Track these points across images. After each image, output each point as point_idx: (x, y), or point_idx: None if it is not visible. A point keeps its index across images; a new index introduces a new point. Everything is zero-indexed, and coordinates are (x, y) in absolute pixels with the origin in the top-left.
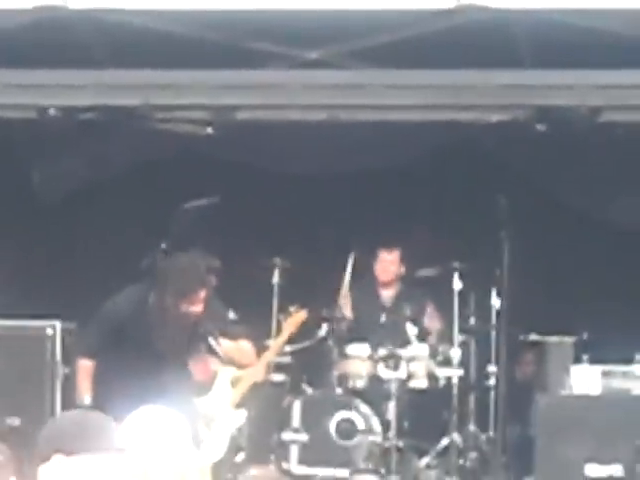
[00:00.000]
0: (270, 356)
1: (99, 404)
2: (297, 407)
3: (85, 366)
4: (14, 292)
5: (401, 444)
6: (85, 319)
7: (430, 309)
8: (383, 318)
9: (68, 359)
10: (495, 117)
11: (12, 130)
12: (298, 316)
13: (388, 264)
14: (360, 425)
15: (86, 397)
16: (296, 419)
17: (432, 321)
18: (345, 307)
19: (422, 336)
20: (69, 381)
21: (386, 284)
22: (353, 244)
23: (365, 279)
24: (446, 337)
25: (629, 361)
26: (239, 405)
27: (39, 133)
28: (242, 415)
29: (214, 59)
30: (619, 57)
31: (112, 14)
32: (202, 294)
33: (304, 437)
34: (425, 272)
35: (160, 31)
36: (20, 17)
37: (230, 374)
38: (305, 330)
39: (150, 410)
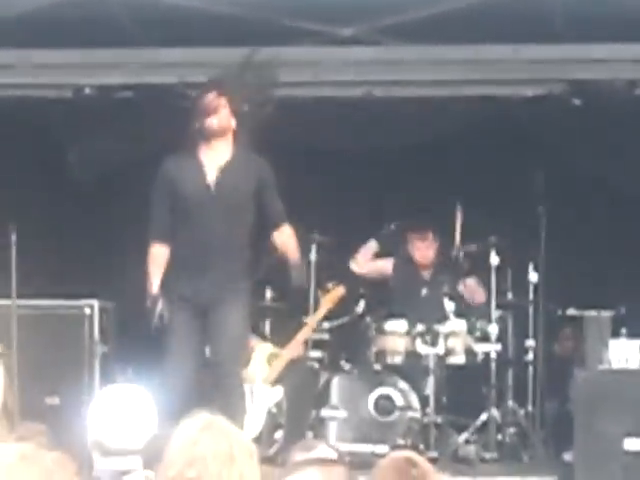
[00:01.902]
0: (307, 333)
1: None
2: (335, 384)
3: (154, 253)
4: (52, 272)
5: (439, 420)
6: (122, 298)
7: (472, 283)
8: (422, 293)
9: (106, 338)
10: (530, 92)
11: (48, 110)
12: (336, 292)
13: (423, 249)
14: (398, 401)
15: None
16: (334, 396)
17: (475, 295)
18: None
19: (459, 311)
20: (107, 360)
21: (423, 265)
22: (389, 219)
23: (402, 254)
24: (484, 312)
25: None
26: (276, 382)
27: (75, 112)
28: (279, 392)
29: (248, 37)
30: None
31: None
32: None
33: (342, 414)
34: (463, 248)
35: (195, 8)
36: None
37: (267, 350)
38: (343, 306)
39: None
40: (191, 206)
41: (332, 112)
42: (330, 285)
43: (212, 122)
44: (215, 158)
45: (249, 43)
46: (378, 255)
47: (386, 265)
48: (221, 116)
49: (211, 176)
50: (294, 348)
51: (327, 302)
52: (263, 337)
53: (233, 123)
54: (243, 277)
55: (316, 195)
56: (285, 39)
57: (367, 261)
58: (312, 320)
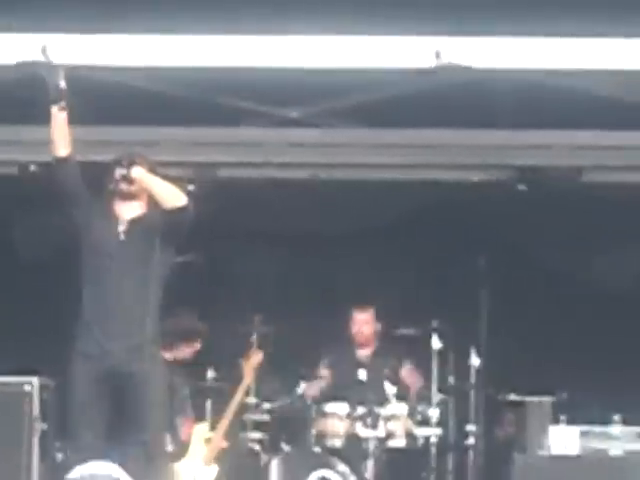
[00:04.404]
0: (235, 404)
1: None
2: (274, 465)
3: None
4: None
5: None
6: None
7: (409, 367)
8: (361, 376)
9: (46, 415)
10: (476, 177)
11: None
12: (255, 358)
13: (362, 323)
14: None
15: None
16: (273, 477)
17: (411, 379)
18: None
19: (401, 395)
20: (46, 437)
21: (362, 343)
22: (330, 302)
23: (343, 337)
24: (425, 396)
25: (607, 422)
26: (213, 461)
27: (20, 189)
28: (214, 471)
29: (194, 116)
30: (599, 118)
31: (92, 71)
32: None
33: None
34: (404, 331)
35: (141, 88)
36: (3, 73)
37: (204, 430)
38: (283, 388)
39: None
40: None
41: (278, 194)
42: (250, 352)
43: (124, 186)
44: (127, 213)
45: (195, 123)
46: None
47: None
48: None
49: (121, 227)
50: (223, 424)
51: (249, 369)
52: (202, 418)
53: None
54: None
55: (260, 278)
56: (232, 119)
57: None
58: (239, 390)
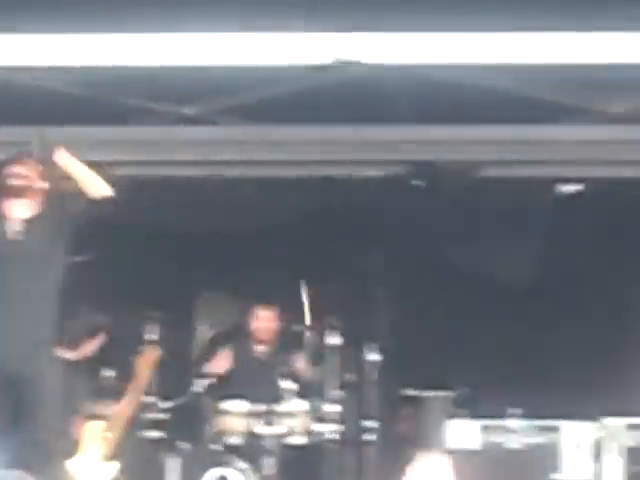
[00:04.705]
0: (130, 402)
1: None
2: (173, 464)
3: None
4: None
5: None
6: None
7: (306, 364)
8: (261, 373)
9: None
10: (371, 173)
11: None
12: (150, 354)
13: (264, 320)
14: None
15: None
16: (171, 475)
17: (305, 374)
18: None
19: (299, 392)
20: None
21: (262, 340)
22: (229, 300)
23: (242, 334)
24: (323, 393)
25: (506, 416)
26: (111, 458)
27: None
28: (114, 468)
29: (89, 115)
30: (494, 112)
31: None
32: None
33: None
34: (301, 327)
35: (36, 87)
36: None
37: (99, 427)
38: (182, 386)
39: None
40: None
41: (176, 192)
42: (144, 348)
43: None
44: (19, 211)
45: (89, 122)
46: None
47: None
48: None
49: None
50: (119, 419)
51: (142, 365)
52: (98, 416)
53: (40, 184)
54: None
55: (156, 275)
56: (127, 118)
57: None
58: (133, 388)
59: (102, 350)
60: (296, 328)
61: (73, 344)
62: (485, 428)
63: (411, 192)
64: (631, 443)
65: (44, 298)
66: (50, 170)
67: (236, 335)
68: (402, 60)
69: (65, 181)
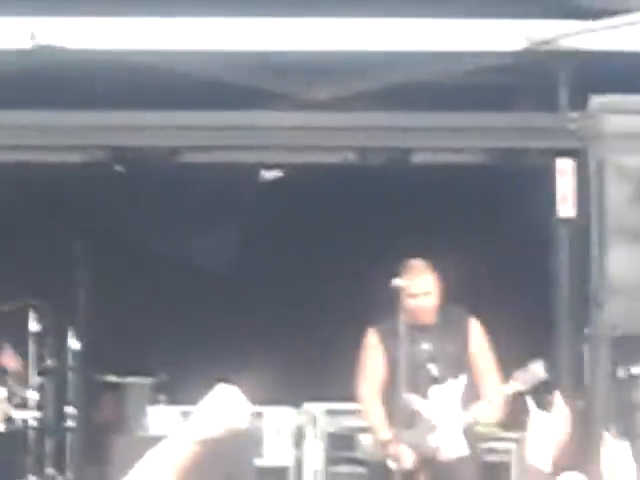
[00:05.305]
0: None
1: None
2: None
3: None
4: None
5: None
6: None
7: (6, 349)
8: None
9: None
10: (77, 158)
11: None
12: None
13: None
14: None
15: None
16: None
17: (9, 361)
18: None
19: None
20: None
21: None
22: None
23: None
24: (23, 379)
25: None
26: None
27: None
28: None
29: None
30: (196, 98)
31: None
32: None
33: None
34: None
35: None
36: None
37: None
38: None
39: None
40: None
41: None
42: None
43: None
44: None
45: None
46: None
47: None
48: None
49: None
50: None
51: None
52: None
53: None
54: None
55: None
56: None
57: None
58: None
59: None
60: None
61: None
62: (185, 414)
63: (114, 178)
64: (331, 429)
65: None
66: None
67: None
68: (105, 45)
69: None
